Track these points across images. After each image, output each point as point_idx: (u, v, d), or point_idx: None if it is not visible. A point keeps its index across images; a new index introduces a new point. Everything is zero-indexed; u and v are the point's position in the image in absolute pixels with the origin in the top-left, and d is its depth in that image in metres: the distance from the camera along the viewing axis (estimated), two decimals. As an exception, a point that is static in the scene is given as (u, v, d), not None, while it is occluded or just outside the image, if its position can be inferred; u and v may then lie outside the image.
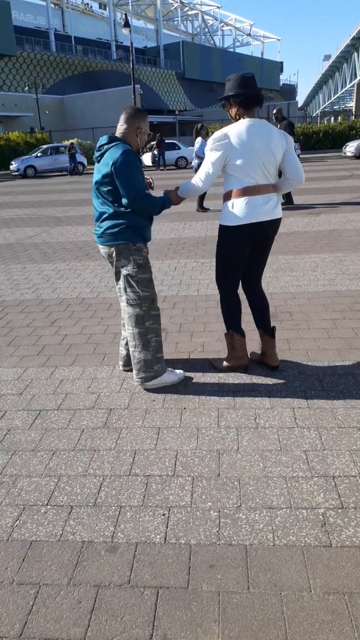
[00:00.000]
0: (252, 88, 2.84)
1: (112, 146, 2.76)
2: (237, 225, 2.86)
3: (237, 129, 2.77)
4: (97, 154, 2.83)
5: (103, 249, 2.91)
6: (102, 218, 2.85)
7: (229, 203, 2.88)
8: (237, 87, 2.84)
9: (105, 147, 2.78)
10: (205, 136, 9.62)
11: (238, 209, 2.84)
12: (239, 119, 2.84)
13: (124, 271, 2.85)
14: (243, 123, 2.79)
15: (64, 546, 1.84)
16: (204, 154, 9.06)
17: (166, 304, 4.52)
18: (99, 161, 2.81)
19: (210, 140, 2.83)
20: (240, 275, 3.08)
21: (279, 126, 9.59)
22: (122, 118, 2.84)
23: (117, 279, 2.91)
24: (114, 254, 2.85)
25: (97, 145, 2.84)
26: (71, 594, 1.65)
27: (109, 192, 2.77)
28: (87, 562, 1.77)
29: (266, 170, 2.82)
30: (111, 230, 2.81)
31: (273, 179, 2.90)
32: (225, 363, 3.17)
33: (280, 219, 2.97)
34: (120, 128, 2.83)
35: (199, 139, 9.66)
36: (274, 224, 2.93)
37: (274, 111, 9.88)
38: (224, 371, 3.16)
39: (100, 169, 2.76)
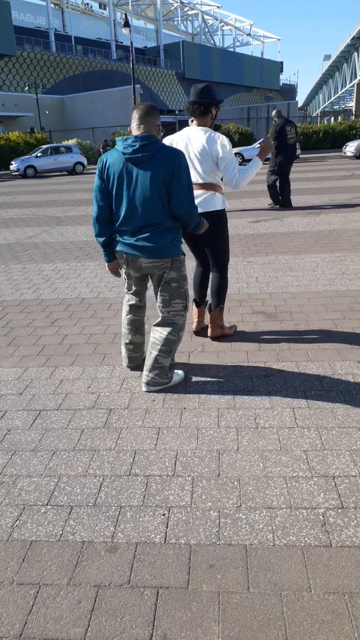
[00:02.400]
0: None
1: (162, 145, 2.61)
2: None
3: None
4: (140, 154, 2.57)
5: (150, 262, 2.75)
6: (157, 230, 2.69)
7: (219, 192, 3.42)
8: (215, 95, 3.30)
9: (151, 146, 2.58)
10: None
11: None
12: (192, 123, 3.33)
13: (173, 283, 2.83)
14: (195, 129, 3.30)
15: (64, 546, 1.84)
16: None
17: (166, 304, 4.52)
18: (142, 161, 2.59)
19: (228, 141, 3.27)
20: None
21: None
22: (139, 117, 2.64)
23: (163, 289, 2.85)
24: (166, 266, 2.78)
25: (134, 143, 2.58)
26: (71, 594, 1.65)
27: (166, 198, 2.64)
28: (87, 562, 1.77)
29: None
30: (168, 242, 2.72)
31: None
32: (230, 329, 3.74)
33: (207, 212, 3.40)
34: (140, 127, 2.63)
35: None
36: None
37: (273, 113, 9.87)
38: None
39: (158, 170, 2.57)
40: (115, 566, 1.75)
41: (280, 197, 9.77)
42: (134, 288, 3.00)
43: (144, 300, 3.09)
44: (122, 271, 2.97)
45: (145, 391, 2.94)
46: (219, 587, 1.65)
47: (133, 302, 3.06)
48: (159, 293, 2.88)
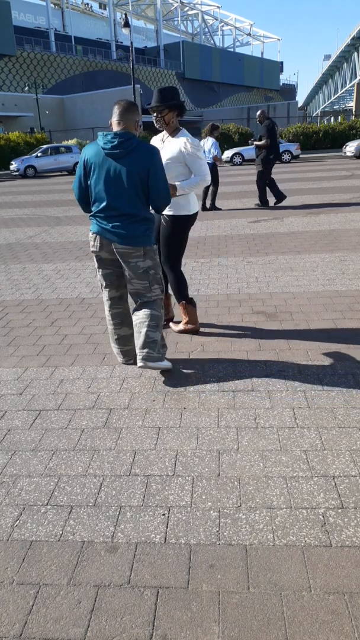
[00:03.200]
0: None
1: (139, 142, 2.77)
2: (193, 213, 3.56)
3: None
4: (118, 150, 2.73)
5: (123, 249, 2.87)
6: (131, 220, 2.84)
7: (189, 196, 3.50)
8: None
9: (128, 143, 2.73)
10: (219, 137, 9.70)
11: (194, 201, 3.56)
12: (176, 126, 3.45)
13: (151, 270, 2.97)
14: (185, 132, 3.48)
15: (64, 546, 1.84)
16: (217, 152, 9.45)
17: (166, 304, 4.52)
18: (120, 157, 2.75)
19: (197, 145, 3.38)
20: None
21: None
22: (120, 112, 2.80)
23: (141, 278, 2.96)
24: (138, 255, 2.90)
25: (113, 139, 2.73)
26: (71, 594, 1.65)
27: (142, 191, 2.82)
28: (87, 562, 1.77)
29: None
30: (141, 232, 2.87)
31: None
32: (183, 326, 3.80)
33: None
34: (121, 123, 2.80)
35: (210, 139, 9.55)
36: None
37: (257, 113, 9.96)
38: (180, 333, 3.81)
39: (134, 166, 2.74)
40: (115, 566, 1.75)
41: (274, 194, 9.96)
42: (105, 273, 3.05)
43: (122, 290, 3.15)
44: (94, 258, 3.05)
45: (142, 366, 2.95)
46: (219, 587, 1.65)
47: (110, 294, 3.13)
48: (137, 282, 2.98)
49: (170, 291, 4.03)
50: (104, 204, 2.84)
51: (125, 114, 2.80)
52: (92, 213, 2.94)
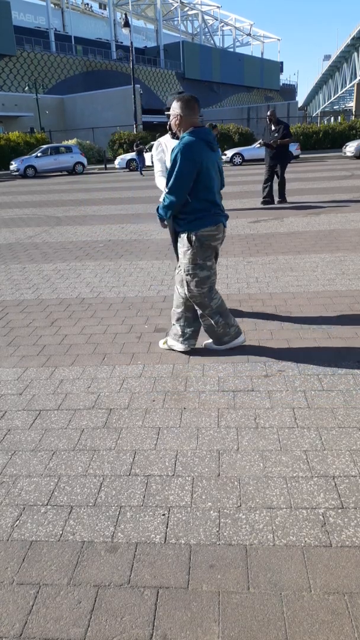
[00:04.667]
0: None
1: None
2: None
3: None
4: (215, 144, 3.09)
5: (225, 229, 3.29)
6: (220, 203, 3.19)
7: None
8: None
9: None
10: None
11: None
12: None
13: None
14: None
15: (64, 546, 1.84)
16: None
17: (166, 303, 4.52)
18: (214, 150, 3.07)
19: None
20: None
21: (273, 128, 9.69)
22: (193, 109, 3.01)
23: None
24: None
25: (212, 133, 3.04)
26: (71, 594, 1.65)
27: None
28: (87, 562, 1.77)
29: None
30: None
31: None
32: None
33: None
34: (195, 119, 3.03)
35: None
36: None
37: (268, 112, 9.98)
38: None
39: (218, 156, 3.14)
40: (115, 566, 1.75)
41: (281, 192, 10.05)
42: (214, 265, 3.23)
43: None
44: (201, 259, 3.13)
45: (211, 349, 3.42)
46: (219, 587, 1.65)
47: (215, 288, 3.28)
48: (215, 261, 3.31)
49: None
50: (217, 194, 3.10)
51: (193, 109, 3.02)
52: (214, 207, 3.08)
